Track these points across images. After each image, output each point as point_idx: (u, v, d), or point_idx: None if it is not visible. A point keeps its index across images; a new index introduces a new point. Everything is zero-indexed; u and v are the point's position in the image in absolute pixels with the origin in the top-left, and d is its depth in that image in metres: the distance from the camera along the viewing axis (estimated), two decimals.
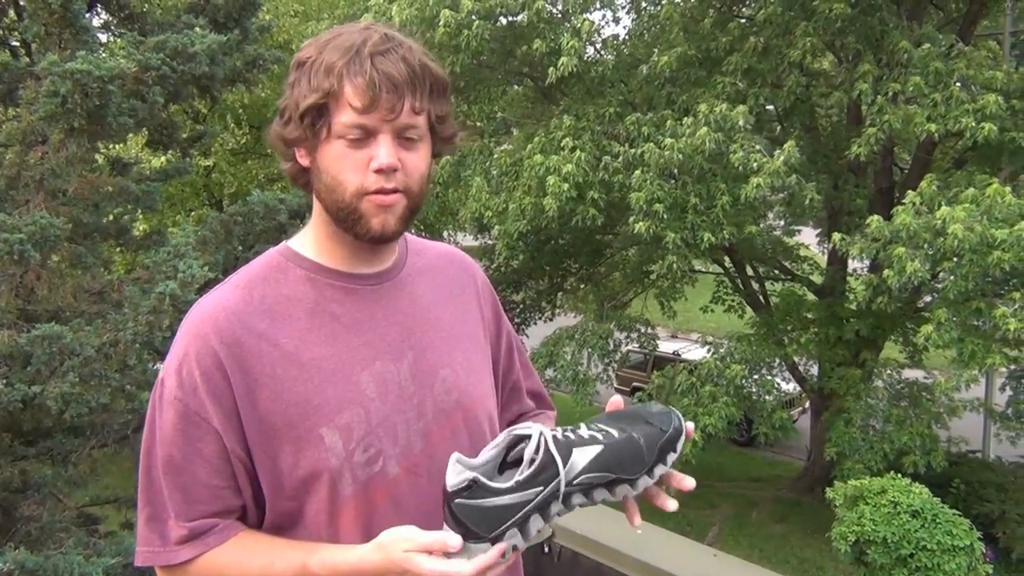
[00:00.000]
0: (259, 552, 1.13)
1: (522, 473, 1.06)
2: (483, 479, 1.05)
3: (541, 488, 1.07)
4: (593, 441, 1.11)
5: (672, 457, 1.15)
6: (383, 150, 1.09)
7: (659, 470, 1.13)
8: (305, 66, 1.11)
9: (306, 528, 1.15)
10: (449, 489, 1.05)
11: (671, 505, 1.15)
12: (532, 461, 1.07)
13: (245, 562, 1.13)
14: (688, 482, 1.16)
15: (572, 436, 1.11)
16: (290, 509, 1.16)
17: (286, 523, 1.16)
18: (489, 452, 1.11)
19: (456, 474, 1.06)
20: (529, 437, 1.09)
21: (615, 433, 1.12)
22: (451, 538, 1.02)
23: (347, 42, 1.09)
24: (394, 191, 1.11)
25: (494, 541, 1.05)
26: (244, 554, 1.13)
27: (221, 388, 1.11)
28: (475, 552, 1.04)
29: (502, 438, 1.11)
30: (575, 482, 1.09)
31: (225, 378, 1.11)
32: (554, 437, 1.10)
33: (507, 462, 1.12)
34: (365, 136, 1.09)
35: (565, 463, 1.08)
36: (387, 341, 1.21)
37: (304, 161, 1.16)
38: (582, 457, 1.09)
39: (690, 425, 1.17)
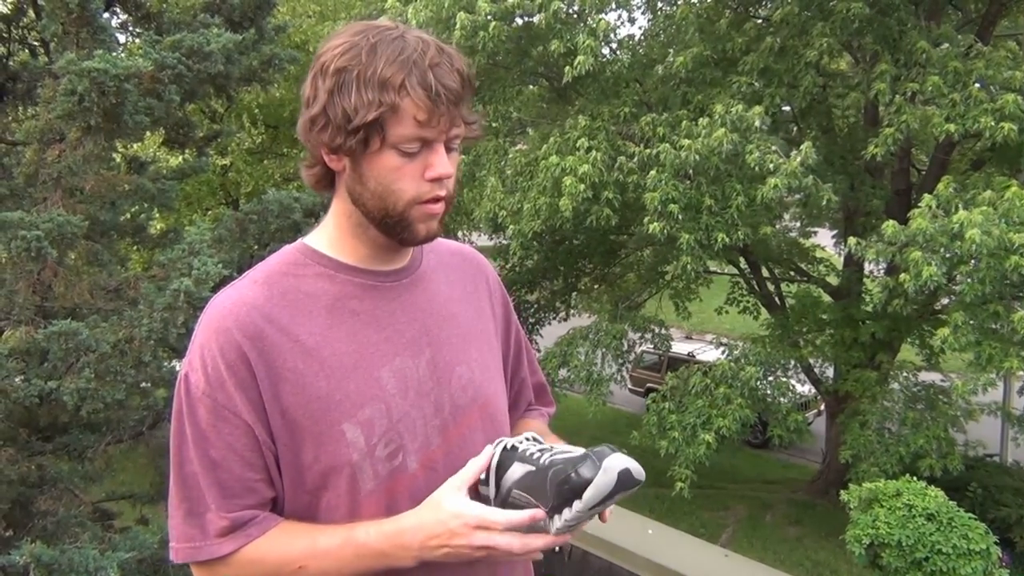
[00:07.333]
0: (300, 534, 1.14)
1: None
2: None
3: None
4: (533, 460, 1.12)
5: (575, 505, 1.04)
6: (440, 160, 1.12)
7: (566, 514, 1.05)
8: (348, 75, 1.07)
9: (322, 522, 1.16)
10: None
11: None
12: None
13: (287, 546, 1.13)
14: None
15: (527, 449, 1.14)
16: (307, 503, 1.16)
17: (303, 517, 1.17)
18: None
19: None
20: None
21: (546, 460, 1.10)
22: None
23: (397, 52, 1.07)
24: (442, 198, 1.15)
25: None
26: (285, 538, 1.14)
27: (247, 381, 1.11)
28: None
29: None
30: (513, 493, 1.12)
31: (250, 370, 1.11)
32: (506, 447, 1.15)
33: None
34: (420, 147, 1.11)
35: (503, 474, 1.13)
36: (406, 337, 1.21)
37: (338, 165, 1.15)
38: (517, 471, 1.12)
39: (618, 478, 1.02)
